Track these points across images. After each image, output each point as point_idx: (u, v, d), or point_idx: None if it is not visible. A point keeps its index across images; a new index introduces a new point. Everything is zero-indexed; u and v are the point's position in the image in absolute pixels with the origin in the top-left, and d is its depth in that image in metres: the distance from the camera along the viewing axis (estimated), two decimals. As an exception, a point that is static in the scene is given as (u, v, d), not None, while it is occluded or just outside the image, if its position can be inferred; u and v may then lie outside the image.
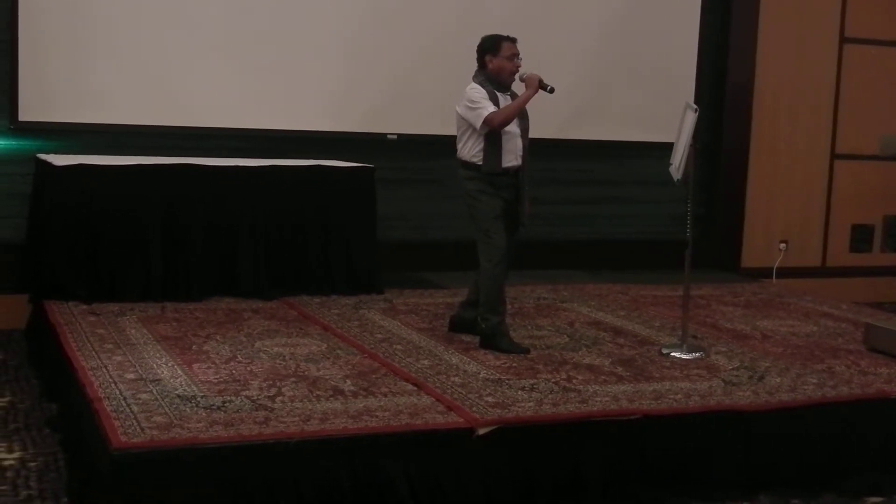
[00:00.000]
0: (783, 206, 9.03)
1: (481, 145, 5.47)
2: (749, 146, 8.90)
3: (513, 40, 5.58)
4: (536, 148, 6.09)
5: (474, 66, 5.64)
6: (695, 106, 5.69)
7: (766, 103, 8.90)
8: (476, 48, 5.61)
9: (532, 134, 5.72)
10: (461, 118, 5.53)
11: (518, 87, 5.61)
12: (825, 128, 9.12)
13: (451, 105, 5.60)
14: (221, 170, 6.73)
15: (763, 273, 8.83)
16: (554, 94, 5.55)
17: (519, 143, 5.54)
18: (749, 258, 8.96)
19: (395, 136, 7.82)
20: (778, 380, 5.15)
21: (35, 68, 6.95)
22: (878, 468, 4.81)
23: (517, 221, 5.61)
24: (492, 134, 5.44)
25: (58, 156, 6.72)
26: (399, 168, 7.86)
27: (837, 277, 9.03)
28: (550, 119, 7.17)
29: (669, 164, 5.78)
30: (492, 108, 5.42)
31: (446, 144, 5.64)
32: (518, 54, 5.57)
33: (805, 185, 9.10)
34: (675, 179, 5.66)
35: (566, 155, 8.43)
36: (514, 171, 5.54)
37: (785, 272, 8.93)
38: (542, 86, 5.50)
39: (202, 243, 6.59)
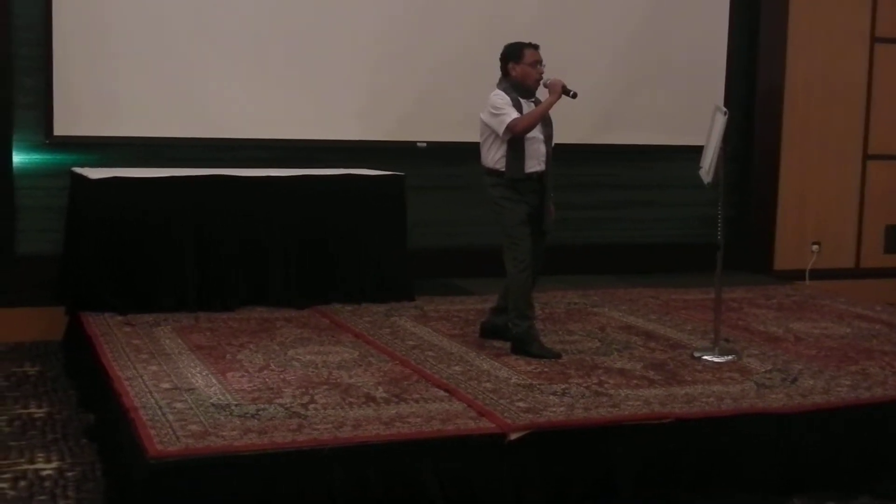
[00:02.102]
0: (815, 208, 8.98)
1: (504, 151, 5.49)
2: (780, 148, 8.86)
3: (535, 47, 5.60)
4: (565, 153, 6.12)
5: (499, 72, 5.66)
6: (724, 109, 5.69)
7: (796, 104, 8.86)
8: (499, 56, 5.63)
9: (560, 139, 5.74)
10: (485, 125, 5.56)
11: (542, 93, 5.63)
12: (857, 128, 9.06)
13: (479, 111, 5.63)
14: (252, 180, 6.79)
15: (796, 275, 8.78)
16: (581, 98, 5.57)
17: (542, 148, 5.55)
18: (781, 260, 8.92)
19: (424, 144, 7.86)
20: (811, 382, 5.13)
21: (69, 84, 7.04)
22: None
23: (543, 227, 5.62)
24: (515, 140, 5.46)
25: (92, 169, 6.81)
26: (429, 175, 7.89)
27: (871, 279, 8.97)
28: (578, 124, 7.19)
29: (699, 168, 5.77)
30: (515, 115, 5.45)
31: (475, 151, 5.67)
32: (541, 61, 5.59)
33: (837, 186, 9.05)
34: (706, 182, 5.66)
35: (595, 159, 8.43)
36: (537, 177, 5.56)
37: (818, 274, 8.88)
38: (565, 91, 5.52)
39: (234, 253, 6.64)
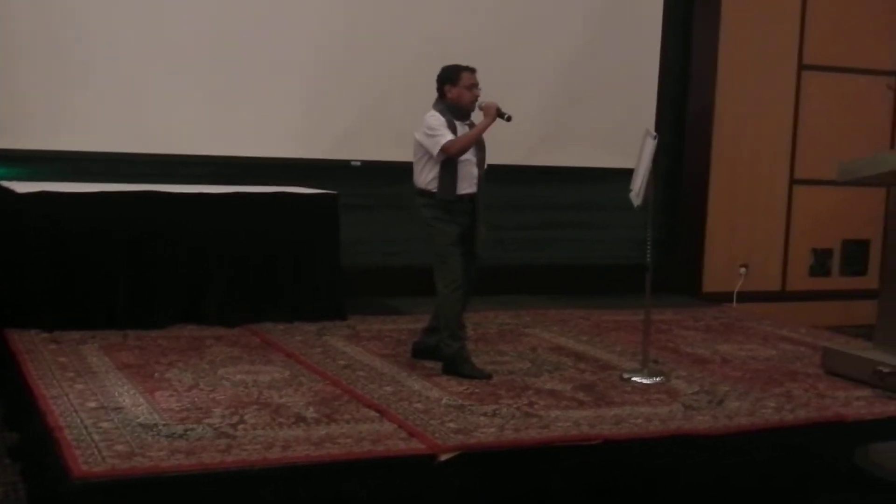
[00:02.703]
0: (743, 231, 9.14)
1: (437, 173, 5.52)
2: (709, 171, 9.01)
3: (472, 70, 5.64)
4: (498, 174, 6.15)
5: (435, 92, 5.69)
6: (654, 133, 5.78)
7: (726, 129, 9.02)
8: (436, 78, 5.66)
9: (493, 160, 5.77)
10: (419, 145, 5.58)
11: (477, 116, 5.66)
12: (784, 153, 9.25)
13: (414, 131, 5.64)
14: (185, 197, 6.73)
15: (724, 297, 8.92)
16: (515, 120, 5.61)
17: (475, 171, 5.59)
18: (710, 282, 9.06)
19: (358, 163, 7.86)
20: (737, 404, 5.21)
21: (3, 96, 6.92)
22: (838, 489, 4.86)
23: (474, 250, 5.65)
24: (447, 162, 5.49)
25: (20, 183, 6.69)
26: (364, 194, 7.89)
27: (797, 301, 9.15)
28: (512, 146, 7.24)
29: (630, 190, 5.84)
30: (450, 136, 5.48)
31: (409, 170, 5.69)
32: (477, 84, 5.63)
33: (765, 210, 9.22)
34: (636, 205, 5.73)
35: (527, 181, 8.49)
36: (469, 199, 5.59)
37: (745, 296, 9.03)
38: (499, 114, 5.56)
39: (166, 270, 6.58)
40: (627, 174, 6.04)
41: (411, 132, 5.67)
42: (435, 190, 5.54)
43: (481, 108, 5.60)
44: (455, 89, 5.60)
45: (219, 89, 7.46)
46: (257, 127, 7.59)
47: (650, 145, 5.68)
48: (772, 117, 9.16)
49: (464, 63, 5.68)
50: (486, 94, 5.67)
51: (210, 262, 6.71)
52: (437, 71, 5.72)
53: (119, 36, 7.20)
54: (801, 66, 9.22)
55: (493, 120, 5.55)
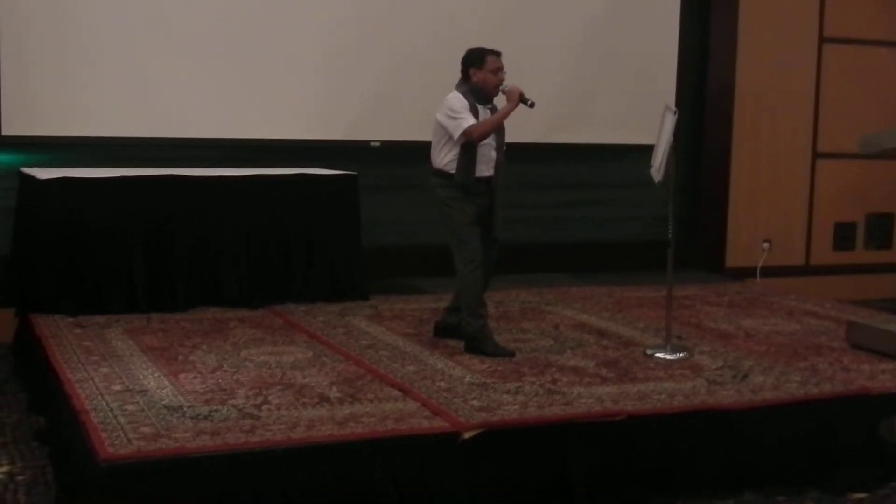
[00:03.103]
0: (766, 206, 9.08)
1: (454, 154, 5.51)
2: (731, 147, 8.95)
3: (497, 54, 5.61)
4: (518, 153, 6.14)
5: (455, 72, 5.67)
6: (674, 108, 5.74)
7: (747, 104, 8.95)
8: (461, 60, 5.63)
9: (513, 139, 5.75)
10: (439, 126, 5.56)
11: (499, 100, 5.64)
12: (806, 127, 9.17)
13: (433, 112, 5.63)
14: (205, 180, 6.75)
15: (747, 273, 8.88)
16: (535, 104, 5.58)
17: (493, 154, 5.58)
18: (733, 258, 9.01)
19: (378, 143, 7.85)
20: (761, 378, 5.19)
21: (19, 82, 6.95)
22: (862, 464, 4.83)
23: (493, 234, 5.64)
24: (467, 145, 5.47)
25: (41, 169, 6.73)
26: (383, 175, 7.89)
27: (821, 276, 9.09)
28: (531, 124, 7.19)
29: (650, 167, 5.82)
30: (472, 120, 5.46)
31: (429, 151, 5.68)
32: (502, 68, 5.60)
33: (788, 185, 9.16)
34: (656, 181, 5.70)
35: (548, 159, 8.47)
36: (486, 181, 5.58)
37: (768, 271, 8.99)
38: (522, 100, 5.54)
39: (187, 253, 6.60)
40: (647, 150, 6.01)
41: (431, 112, 5.66)
42: (452, 171, 5.53)
43: (504, 93, 5.58)
44: (480, 73, 5.57)
45: (235, 71, 7.45)
46: (275, 108, 7.58)
47: (670, 120, 5.65)
48: (793, 91, 9.08)
49: (484, 44, 5.66)
50: (505, 70, 5.64)
51: (231, 244, 6.72)
52: (455, 51, 5.70)
53: (133, 20, 7.19)
54: (822, 39, 9.12)
55: (516, 105, 5.53)
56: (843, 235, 9.36)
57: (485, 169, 5.58)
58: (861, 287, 8.99)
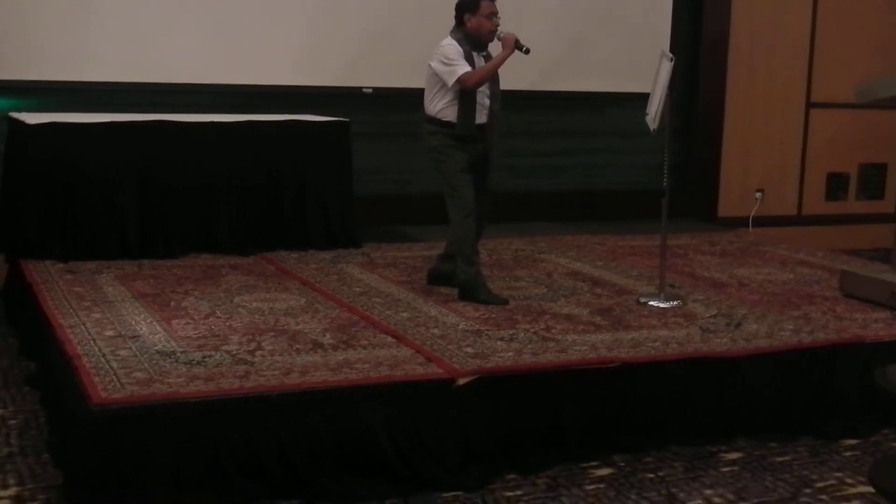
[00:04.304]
0: (759, 155, 9.05)
1: (448, 101, 5.45)
2: (725, 95, 8.91)
3: None
4: (512, 100, 6.09)
5: (449, 18, 5.59)
6: (670, 55, 5.68)
7: (741, 52, 8.90)
8: (455, 6, 5.55)
9: (506, 86, 5.68)
10: (433, 73, 5.49)
11: (494, 46, 5.58)
12: (801, 76, 9.13)
13: (427, 59, 5.56)
14: (196, 126, 6.69)
15: (739, 222, 8.87)
16: (531, 51, 5.52)
17: (486, 101, 5.52)
18: (725, 207, 9.01)
19: (370, 90, 7.78)
20: (755, 326, 5.19)
21: (5, 27, 6.86)
22: (854, 412, 4.86)
23: (485, 178, 5.60)
24: (466, 94, 5.41)
25: (30, 114, 6.65)
26: (375, 122, 7.84)
27: (813, 226, 9.09)
28: (525, 71, 7.12)
29: (646, 114, 5.78)
30: (467, 68, 5.40)
31: (422, 98, 5.62)
32: (497, 13, 5.53)
33: (781, 134, 9.13)
34: (651, 129, 5.66)
35: (541, 106, 8.42)
36: (479, 128, 5.53)
37: (761, 221, 8.98)
38: (518, 46, 5.47)
39: (178, 199, 6.56)
40: (641, 98, 5.97)
41: (424, 58, 5.59)
42: (445, 119, 5.47)
43: (500, 39, 5.51)
44: (474, 18, 5.50)
45: (227, 16, 7.38)
46: (267, 54, 7.51)
47: (666, 67, 5.59)
48: (788, 39, 9.02)
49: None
50: (501, 25, 5.57)
51: (222, 190, 6.68)
52: (448, -4, 5.63)
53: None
54: (818, -14, 9.08)
55: (512, 52, 5.45)
56: (836, 185, 9.36)
57: (479, 117, 5.53)
58: (853, 237, 8.99)
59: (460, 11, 5.56)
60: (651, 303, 5.60)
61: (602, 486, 4.14)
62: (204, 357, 4.38)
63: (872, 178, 9.44)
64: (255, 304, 5.37)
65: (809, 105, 9.18)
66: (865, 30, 9.17)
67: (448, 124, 5.48)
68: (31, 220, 6.30)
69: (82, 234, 6.34)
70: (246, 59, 7.46)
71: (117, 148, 6.42)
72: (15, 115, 6.68)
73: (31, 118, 6.47)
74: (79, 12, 7.03)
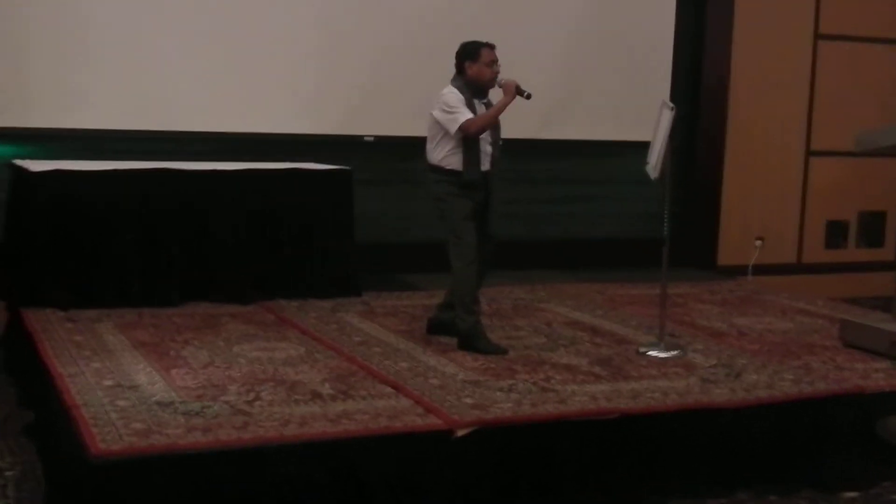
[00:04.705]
0: (759, 203, 9.07)
1: (450, 149, 5.48)
2: (725, 143, 8.94)
3: (492, 47, 5.58)
4: (512, 148, 6.11)
5: (449, 66, 5.64)
6: (671, 104, 5.71)
7: (741, 100, 8.94)
8: (455, 54, 5.60)
9: (507, 134, 5.72)
10: (435, 121, 5.53)
11: (495, 93, 5.62)
12: (800, 125, 9.17)
13: (428, 107, 5.60)
14: (198, 173, 6.71)
15: (739, 270, 8.87)
16: (532, 96, 5.55)
17: (489, 149, 5.56)
18: (725, 255, 9.01)
19: (371, 138, 7.82)
20: (755, 377, 5.18)
21: (11, 73, 6.92)
22: (855, 463, 4.84)
23: (486, 225, 5.62)
24: (469, 141, 5.45)
25: (33, 161, 6.68)
26: (376, 169, 7.86)
27: (813, 274, 9.09)
28: (526, 119, 7.17)
29: (646, 163, 5.80)
30: (468, 115, 5.43)
31: (423, 146, 5.65)
32: (497, 61, 5.57)
33: (780, 182, 9.15)
34: (653, 178, 5.68)
35: (542, 154, 8.44)
36: (482, 176, 5.56)
37: (761, 269, 8.98)
38: (518, 92, 5.51)
39: (179, 248, 6.56)
40: (640, 147, 5.99)
41: (425, 107, 5.63)
42: (449, 167, 5.50)
43: (500, 86, 5.55)
44: (475, 66, 5.54)
45: (228, 64, 7.42)
46: (268, 102, 7.55)
47: (667, 116, 5.62)
48: (788, 87, 9.07)
49: (477, 37, 5.63)
50: (501, 70, 5.61)
51: (224, 238, 6.69)
52: (449, 44, 5.67)
53: (127, 13, 7.15)
54: (817, 36, 9.11)
55: (513, 98, 5.49)
56: (836, 233, 9.37)
57: (483, 163, 5.55)
58: (853, 285, 8.98)
59: (461, 59, 5.60)
60: (651, 353, 5.59)
61: (602, 538, 4.12)
62: (203, 407, 4.37)
63: (872, 226, 9.45)
64: (254, 353, 5.37)
65: (809, 153, 9.22)
66: (865, 78, 9.22)
67: (452, 172, 5.51)
68: (33, 268, 6.30)
69: (83, 282, 6.34)
70: (247, 106, 7.49)
71: (119, 196, 6.44)
72: (18, 162, 6.71)
73: (34, 165, 6.50)
74: (81, 59, 7.07)
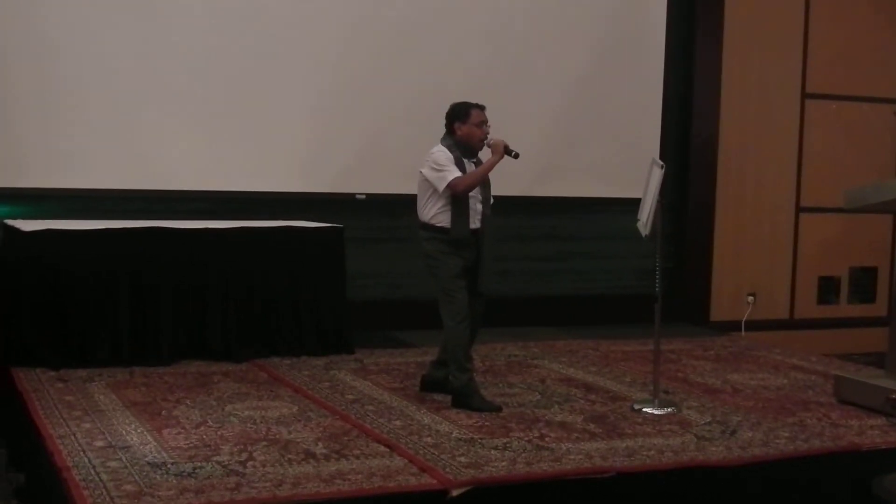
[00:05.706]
0: (750, 260, 9.10)
1: (440, 207, 5.51)
2: (715, 200, 8.99)
3: (481, 108, 5.63)
4: (504, 205, 6.14)
5: (440, 126, 5.68)
6: (661, 162, 5.76)
7: (731, 158, 9.01)
8: (445, 115, 5.64)
9: (499, 192, 5.76)
10: (424, 179, 5.56)
11: (484, 153, 5.65)
12: (790, 181, 9.23)
13: (419, 165, 5.63)
14: (190, 232, 6.72)
15: (732, 326, 8.87)
16: (520, 155, 5.59)
17: (479, 207, 5.59)
18: (718, 311, 9.01)
19: (363, 196, 7.84)
20: (750, 434, 5.16)
21: (1, 134, 6.93)
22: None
23: (479, 288, 5.62)
24: (458, 199, 5.47)
25: (25, 221, 6.69)
26: (369, 227, 7.88)
27: (805, 329, 9.10)
28: (518, 176, 7.22)
29: (637, 220, 5.82)
30: (457, 173, 5.47)
31: (415, 203, 5.67)
32: (486, 121, 5.62)
33: (771, 239, 9.19)
34: (644, 235, 5.70)
35: (534, 212, 8.48)
36: (473, 233, 5.57)
37: (753, 325, 8.99)
38: (507, 151, 5.56)
39: (171, 306, 6.55)
40: (631, 203, 6.02)
41: (416, 165, 5.66)
42: (439, 225, 5.52)
43: (489, 146, 5.60)
44: (465, 126, 5.59)
45: (219, 124, 7.45)
46: (260, 161, 7.58)
47: (657, 175, 5.66)
48: (776, 146, 9.14)
49: (469, 97, 5.68)
50: (491, 130, 5.65)
51: (215, 297, 6.68)
52: (440, 105, 5.72)
53: (118, 74, 7.19)
54: (805, 95, 9.20)
55: (501, 157, 5.54)
56: (827, 289, 9.39)
57: (472, 221, 5.57)
58: (845, 341, 8.99)
59: (450, 120, 5.64)
60: (645, 409, 5.57)
61: None
62: (195, 468, 4.34)
63: (863, 282, 9.48)
64: (246, 412, 5.34)
65: (799, 209, 9.27)
66: (853, 135, 9.30)
67: (442, 230, 5.53)
68: (23, 327, 6.28)
69: (75, 340, 6.32)
70: (240, 166, 7.51)
71: (111, 255, 6.44)
72: (10, 222, 6.70)
73: (26, 225, 6.50)
74: (71, 119, 7.09)
